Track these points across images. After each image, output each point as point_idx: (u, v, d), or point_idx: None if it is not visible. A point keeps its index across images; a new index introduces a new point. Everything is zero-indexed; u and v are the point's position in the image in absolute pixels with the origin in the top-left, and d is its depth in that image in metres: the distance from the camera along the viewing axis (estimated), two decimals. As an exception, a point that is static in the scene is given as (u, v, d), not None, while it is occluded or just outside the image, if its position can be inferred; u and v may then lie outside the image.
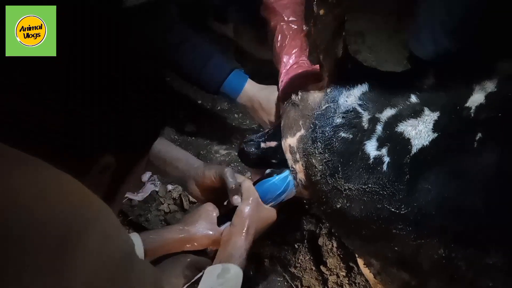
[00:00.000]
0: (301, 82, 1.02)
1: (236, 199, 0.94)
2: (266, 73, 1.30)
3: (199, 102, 1.70)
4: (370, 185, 0.81)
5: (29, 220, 0.35)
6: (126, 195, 1.40)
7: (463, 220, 0.71)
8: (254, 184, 0.98)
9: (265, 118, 1.20)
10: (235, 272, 0.84)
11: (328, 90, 0.90)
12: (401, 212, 0.78)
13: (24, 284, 0.34)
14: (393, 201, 0.78)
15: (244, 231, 0.90)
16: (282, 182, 0.96)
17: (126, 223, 1.41)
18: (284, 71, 1.09)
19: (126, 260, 0.44)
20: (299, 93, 0.98)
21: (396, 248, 0.81)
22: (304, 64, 1.07)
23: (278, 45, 1.12)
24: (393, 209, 0.78)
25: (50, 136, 0.45)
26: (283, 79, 1.08)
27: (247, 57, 1.47)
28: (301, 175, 0.94)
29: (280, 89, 1.09)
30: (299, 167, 0.94)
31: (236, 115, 1.68)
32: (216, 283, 0.81)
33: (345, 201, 0.84)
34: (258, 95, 1.19)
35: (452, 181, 0.74)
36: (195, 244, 0.94)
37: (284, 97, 1.04)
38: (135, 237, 0.90)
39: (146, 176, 1.48)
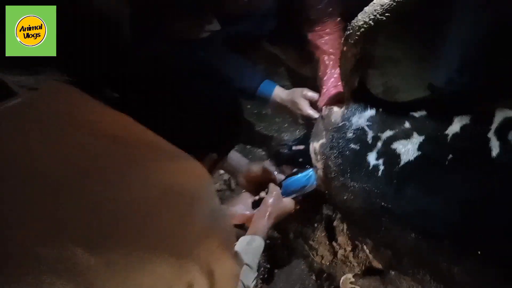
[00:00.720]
0: (335, 100, 1.29)
1: (268, 188, 1.26)
2: (308, 86, 1.52)
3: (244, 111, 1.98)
4: (368, 185, 1.09)
5: (182, 188, 0.67)
6: None
7: (428, 218, 0.99)
8: (284, 179, 1.28)
9: (291, 116, 1.46)
10: (259, 241, 1.16)
11: (346, 111, 1.17)
12: (388, 206, 1.06)
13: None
14: (384, 198, 1.06)
15: (267, 215, 1.20)
16: (304, 178, 1.25)
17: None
18: (325, 91, 1.37)
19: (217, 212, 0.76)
20: (327, 109, 1.26)
21: (382, 233, 1.09)
22: (339, 87, 1.33)
23: (321, 72, 1.40)
24: (383, 204, 1.06)
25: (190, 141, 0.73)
26: (324, 98, 1.35)
27: (292, 73, 1.73)
28: (320, 172, 1.23)
29: (321, 104, 1.36)
30: (319, 165, 1.23)
31: (277, 120, 1.92)
32: (245, 247, 1.12)
33: (350, 194, 1.13)
34: (285, 98, 1.45)
35: (425, 189, 1.01)
36: (235, 219, 1.26)
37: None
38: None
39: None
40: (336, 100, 1.27)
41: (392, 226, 1.06)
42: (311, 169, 1.24)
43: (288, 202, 1.25)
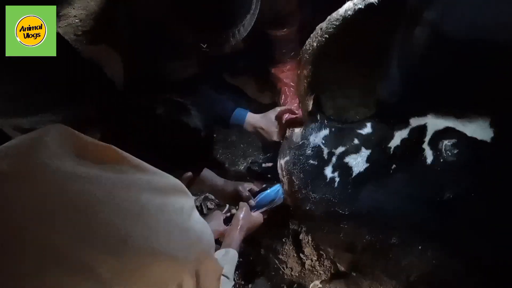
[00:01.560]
0: (294, 124, 1.45)
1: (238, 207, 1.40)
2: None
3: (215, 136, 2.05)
4: (327, 195, 1.24)
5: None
6: None
7: (377, 219, 1.15)
8: (255, 193, 1.42)
9: (267, 137, 1.57)
10: (233, 253, 1.27)
11: (304, 131, 1.33)
12: (345, 213, 1.21)
13: None
14: (341, 206, 1.21)
15: (238, 228, 1.33)
16: (273, 192, 1.40)
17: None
18: (286, 117, 1.53)
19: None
20: (289, 131, 1.41)
21: (342, 237, 1.24)
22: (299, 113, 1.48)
23: (282, 101, 1.59)
24: (340, 211, 1.21)
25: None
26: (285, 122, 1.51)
27: (254, 101, 1.89)
28: (286, 186, 1.36)
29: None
30: (285, 180, 1.36)
31: (242, 145, 2.03)
32: (221, 259, 1.23)
33: (312, 205, 1.27)
34: (259, 122, 1.57)
35: (374, 193, 1.18)
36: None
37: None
38: None
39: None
40: (297, 123, 1.43)
41: (350, 230, 1.21)
42: (278, 184, 1.39)
43: (257, 216, 1.39)
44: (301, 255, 1.75)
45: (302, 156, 1.29)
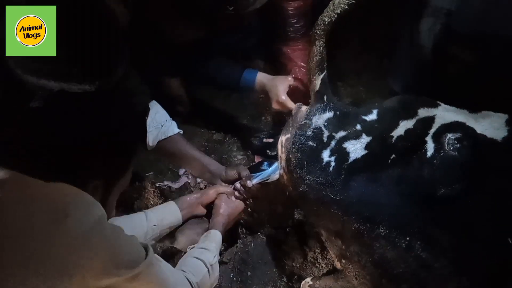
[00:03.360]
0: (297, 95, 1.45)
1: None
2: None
3: (225, 118, 2.11)
4: (321, 179, 1.20)
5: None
6: (166, 184, 1.92)
7: (368, 208, 1.09)
8: (253, 167, 1.42)
9: (268, 100, 1.56)
10: (214, 232, 1.34)
11: (308, 111, 1.30)
12: (337, 198, 1.17)
13: None
14: (333, 191, 1.17)
15: (219, 214, 1.41)
16: (268, 167, 1.41)
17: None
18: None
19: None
20: (296, 107, 1.39)
21: (332, 222, 1.20)
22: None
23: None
24: (332, 196, 1.17)
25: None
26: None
27: None
28: (283, 163, 1.34)
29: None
30: (283, 157, 1.34)
31: (251, 129, 2.01)
32: (203, 238, 1.31)
33: (305, 187, 1.24)
34: (269, 83, 1.55)
35: (369, 183, 1.12)
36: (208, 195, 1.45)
37: None
38: (172, 204, 1.41)
39: (181, 171, 1.97)
40: (300, 94, 1.41)
41: (340, 216, 1.16)
42: (275, 162, 1.38)
43: (238, 203, 1.46)
44: (304, 246, 1.74)
45: (302, 136, 1.26)
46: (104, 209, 0.80)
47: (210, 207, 1.47)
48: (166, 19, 1.44)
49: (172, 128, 1.49)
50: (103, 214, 0.79)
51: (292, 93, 1.51)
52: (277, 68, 1.70)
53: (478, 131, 1.06)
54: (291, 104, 1.45)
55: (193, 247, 1.27)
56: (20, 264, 0.68)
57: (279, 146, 1.34)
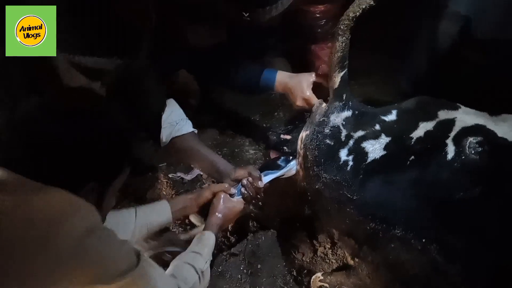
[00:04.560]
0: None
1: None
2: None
3: (237, 112, 2.09)
4: (338, 177, 1.20)
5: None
6: (179, 175, 1.90)
7: (384, 209, 1.09)
8: (269, 163, 1.41)
9: (291, 99, 1.53)
10: (208, 234, 1.30)
11: (327, 108, 1.30)
12: (353, 198, 1.17)
13: None
14: (350, 190, 1.17)
15: (215, 214, 1.36)
16: (285, 163, 1.40)
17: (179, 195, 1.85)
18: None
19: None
20: (316, 105, 1.38)
21: (347, 222, 1.20)
22: None
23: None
24: (348, 195, 1.17)
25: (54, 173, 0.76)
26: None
27: None
28: (300, 159, 1.34)
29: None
30: (301, 153, 1.34)
31: (264, 124, 1.99)
32: (195, 241, 1.28)
33: (321, 184, 1.24)
34: (292, 80, 1.52)
35: (386, 184, 1.12)
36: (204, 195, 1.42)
37: None
38: (164, 203, 1.40)
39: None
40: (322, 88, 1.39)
41: (355, 216, 1.17)
42: (293, 160, 1.37)
43: (236, 203, 1.41)
44: (314, 241, 1.73)
45: (320, 134, 1.26)
46: (100, 209, 0.81)
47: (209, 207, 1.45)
48: (184, 23, 1.44)
49: (187, 127, 1.49)
50: (97, 221, 0.80)
51: (316, 90, 1.49)
52: (297, 66, 1.69)
53: (499, 135, 1.06)
54: (316, 101, 1.43)
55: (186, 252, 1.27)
56: (4, 272, 0.69)
57: (299, 142, 1.34)
